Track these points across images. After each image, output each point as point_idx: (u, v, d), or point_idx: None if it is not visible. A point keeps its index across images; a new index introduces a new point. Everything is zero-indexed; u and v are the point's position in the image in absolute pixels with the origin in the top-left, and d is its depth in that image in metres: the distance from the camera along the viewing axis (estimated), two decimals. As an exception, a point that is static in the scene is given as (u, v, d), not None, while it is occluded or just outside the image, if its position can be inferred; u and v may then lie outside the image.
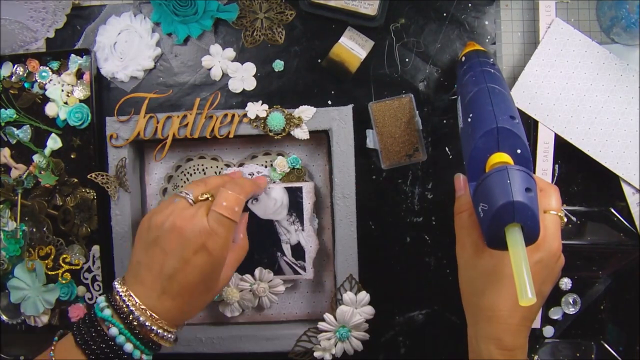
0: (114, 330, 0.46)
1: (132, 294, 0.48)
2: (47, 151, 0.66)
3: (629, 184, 0.64)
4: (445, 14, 0.65)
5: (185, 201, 0.52)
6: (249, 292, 0.65)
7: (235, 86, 0.66)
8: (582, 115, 0.64)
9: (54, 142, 0.66)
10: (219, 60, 0.66)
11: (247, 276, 0.65)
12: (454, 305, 0.66)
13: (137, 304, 0.47)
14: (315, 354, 0.64)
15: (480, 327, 0.49)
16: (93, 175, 0.64)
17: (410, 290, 0.66)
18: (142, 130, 0.64)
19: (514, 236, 0.39)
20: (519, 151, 0.44)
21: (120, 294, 0.48)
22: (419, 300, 0.66)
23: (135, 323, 0.47)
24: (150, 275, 0.49)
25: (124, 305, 0.47)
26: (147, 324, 0.47)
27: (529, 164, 0.44)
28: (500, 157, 0.44)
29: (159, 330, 0.48)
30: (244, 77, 0.66)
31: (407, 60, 0.66)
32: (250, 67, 0.66)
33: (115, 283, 0.50)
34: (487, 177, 0.42)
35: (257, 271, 0.65)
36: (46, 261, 0.66)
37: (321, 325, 0.63)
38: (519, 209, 0.39)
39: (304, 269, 0.65)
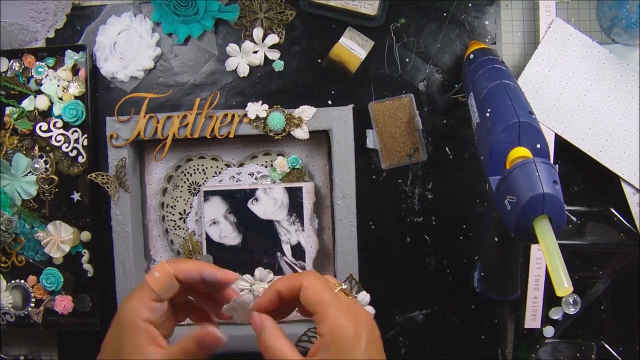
0: None
1: None
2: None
3: (629, 184, 0.64)
4: (445, 14, 0.65)
5: None
6: (249, 292, 0.65)
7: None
8: (583, 115, 0.64)
9: (29, 103, 0.67)
10: (242, 56, 0.66)
11: (247, 276, 0.65)
12: (454, 305, 0.66)
13: None
14: (315, 354, 0.64)
15: None
16: (93, 175, 0.64)
17: (410, 290, 0.66)
18: (142, 130, 0.64)
19: (544, 228, 0.40)
20: (538, 146, 0.45)
21: None
22: (419, 300, 0.66)
23: None
24: None
25: None
26: None
27: (548, 158, 0.45)
28: (521, 152, 0.44)
29: None
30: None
31: (407, 60, 0.66)
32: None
33: None
34: (513, 170, 0.42)
35: (257, 271, 0.65)
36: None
37: (321, 325, 0.63)
38: (549, 200, 0.40)
39: (304, 269, 0.65)
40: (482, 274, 0.59)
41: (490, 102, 0.50)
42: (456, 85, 0.64)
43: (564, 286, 0.37)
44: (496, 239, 0.52)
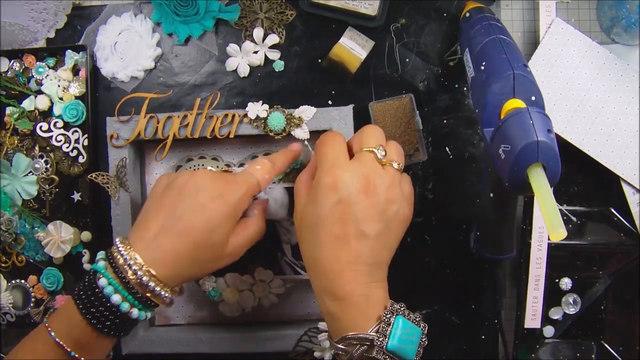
0: (103, 281, 0.43)
1: (129, 244, 0.46)
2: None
3: (629, 184, 0.64)
4: (445, 14, 0.65)
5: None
6: (249, 292, 0.65)
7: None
8: (583, 115, 0.64)
9: (29, 103, 0.67)
10: (242, 57, 0.66)
11: (247, 276, 0.65)
12: (454, 305, 0.66)
13: (132, 254, 0.45)
14: (316, 354, 0.64)
15: (314, 281, 0.48)
16: (93, 175, 0.64)
17: (410, 290, 0.66)
18: (142, 130, 0.64)
19: (538, 175, 0.40)
20: (533, 98, 0.45)
21: (117, 244, 0.46)
22: (419, 300, 0.66)
23: (126, 274, 0.44)
24: (157, 218, 0.47)
25: (119, 256, 0.45)
26: (138, 273, 0.44)
27: (543, 109, 0.45)
28: (516, 103, 0.45)
29: (150, 283, 0.44)
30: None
31: (407, 60, 0.66)
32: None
33: (117, 237, 0.48)
34: (508, 118, 0.43)
35: (257, 271, 0.65)
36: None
37: (321, 325, 0.63)
38: (542, 148, 0.40)
39: (304, 269, 0.65)
40: (478, 233, 0.59)
41: (485, 55, 0.50)
42: (459, 42, 0.63)
43: (558, 230, 0.38)
44: (491, 195, 0.52)
